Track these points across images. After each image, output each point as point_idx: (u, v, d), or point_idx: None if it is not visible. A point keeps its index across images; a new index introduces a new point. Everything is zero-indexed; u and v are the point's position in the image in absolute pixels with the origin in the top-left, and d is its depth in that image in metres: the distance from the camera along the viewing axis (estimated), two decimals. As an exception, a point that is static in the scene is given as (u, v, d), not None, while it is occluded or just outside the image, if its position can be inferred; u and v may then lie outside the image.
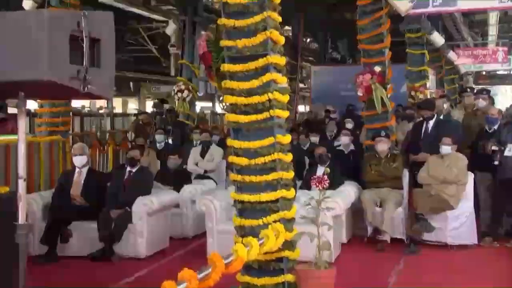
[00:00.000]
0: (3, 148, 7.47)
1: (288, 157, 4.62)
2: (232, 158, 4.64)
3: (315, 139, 9.66)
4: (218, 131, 11.59)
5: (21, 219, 3.16)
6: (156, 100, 14.52)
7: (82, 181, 6.86)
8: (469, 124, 8.38)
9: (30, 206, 6.49)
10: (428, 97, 12.05)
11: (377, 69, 8.04)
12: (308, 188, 6.62)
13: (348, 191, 6.95)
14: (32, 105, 10.54)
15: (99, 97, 3.30)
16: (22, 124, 3.19)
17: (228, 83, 4.60)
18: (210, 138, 9.41)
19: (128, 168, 6.99)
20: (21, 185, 3.19)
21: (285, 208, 4.56)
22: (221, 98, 4.95)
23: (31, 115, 12.34)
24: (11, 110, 10.10)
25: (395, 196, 7.15)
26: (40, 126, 9.24)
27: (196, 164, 8.97)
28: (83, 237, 6.46)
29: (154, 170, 8.32)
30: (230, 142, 4.67)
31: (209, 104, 25.44)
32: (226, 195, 5.91)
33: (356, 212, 7.23)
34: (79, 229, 6.50)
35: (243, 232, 4.60)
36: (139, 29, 18.04)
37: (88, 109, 19.84)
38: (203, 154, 9.09)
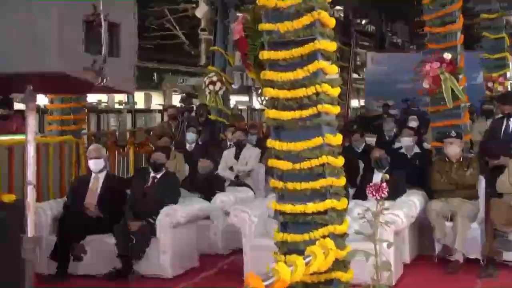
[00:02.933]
0: (6, 150, 7.58)
1: (339, 161, 4.60)
2: (273, 162, 4.65)
3: (371, 139, 9.60)
4: (256, 130, 11.63)
5: (30, 231, 3.21)
6: (184, 94, 14.69)
7: (99, 189, 6.97)
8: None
9: (38, 217, 6.61)
10: (509, 89, 11.82)
11: (447, 56, 7.92)
12: (363, 198, 6.57)
13: (412, 202, 6.88)
14: (41, 100, 10.76)
15: (119, 91, 3.35)
16: (31, 122, 3.22)
17: (268, 74, 4.61)
18: (245, 138, 9.45)
19: (152, 174, 7.07)
20: (30, 192, 3.23)
21: (336, 221, 4.55)
22: (259, 91, 4.97)
23: (40, 112, 12.60)
24: (18, 106, 10.36)
25: (469, 208, 7.04)
26: (50, 125, 9.43)
27: (231, 169, 9.01)
28: (99, 253, 6.57)
29: (181, 175, 8.40)
30: (270, 143, 4.68)
31: (245, 99, 25.54)
32: (265, 206, 5.92)
33: (422, 226, 7.15)
34: (94, 244, 6.61)
35: (285, 249, 4.60)
36: (164, 11, 18.24)
37: (106, 104, 20.15)
38: (238, 157, 9.14)
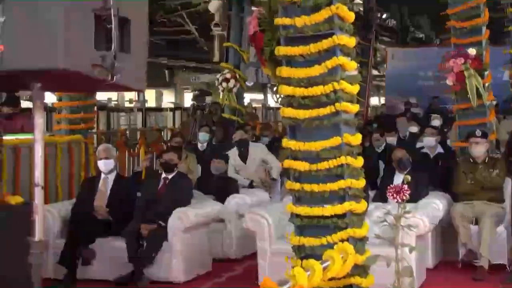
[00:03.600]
0: (11, 149, 7.61)
1: (358, 162, 4.59)
2: (289, 163, 4.64)
3: (392, 139, 9.57)
4: (269, 132, 11.57)
5: (37, 235, 3.21)
6: (197, 92, 14.71)
7: (108, 190, 7.01)
8: None
9: (46, 220, 6.65)
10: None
11: (472, 51, 7.88)
12: (384, 200, 6.56)
13: (435, 205, 6.86)
14: (49, 98, 10.83)
15: (129, 89, 3.36)
16: (39, 121, 3.22)
17: (284, 70, 4.60)
18: (247, 136, 9.40)
19: (163, 175, 7.10)
20: (38, 194, 3.23)
21: (355, 224, 4.54)
22: (275, 89, 4.97)
23: (47, 110, 12.67)
24: (25, 104, 10.43)
25: (495, 211, 7.01)
26: (58, 124, 9.48)
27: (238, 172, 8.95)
28: (109, 257, 6.60)
29: (194, 176, 8.42)
30: (286, 143, 4.67)
31: (260, 96, 25.58)
32: (281, 208, 5.91)
33: (445, 230, 7.14)
34: (104, 248, 6.64)
35: (302, 253, 4.60)
36: (175, 5, 18.27)
37: (115, 102, 20.27)
38: (242, 157, 9.09)
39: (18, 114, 8.54)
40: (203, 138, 10.12)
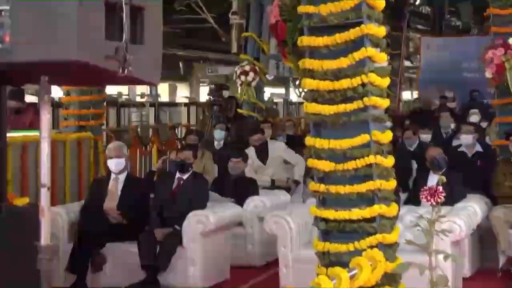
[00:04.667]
0: (18, 147, 7.66)
1: (389, 161, 4.59)
2: (312, 162, 4.66)
3: (426, 136, 9.53)
4: (280, 129, 11.50)
5: (44, 239, 3.24)
6: (213, 86, 14.72)
7: (119, 192, 7.06)
8: None
9: (53, 223, 6.71)
10: None
11: (513, 41, 7.84)
12: (416, 203, 6.54)
13: (473, 208, 6.82)
14: (56, 92, 10.90)
15: (142, 82, 3.39)
16: (46, 117, 3.23)
17: (307, 62, 4.62)
18: (263, 138, 9.37)
19: (178, 175, 7.14)
20: (44, 195, 3.24)
21: (385, 229, 4.54)
22: (297, 83, 4.99)
23: (54, 105, 12.75)
24: (29, 99, 10.49)
25: (538, 215, 6.96)
26: (66, 120, 9.53)
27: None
28: (120, 263, 6.66)
29: (210, 176, 8.45)
30: (309, 141, 4.69)
31: (282, 91, 25.56)
32: (304, 211, 5.93)
33: (484, 236, 7.13)
34: (115, 253, 6.70)
35: (327, 260, 4.61)
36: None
37: (127, 97, 20.33)
38: (262, 157, 9.09)
39: (26, 109, 8.57)
40: (219, 135, 10.13)
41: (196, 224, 6.62)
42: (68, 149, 8.65)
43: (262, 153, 9.07)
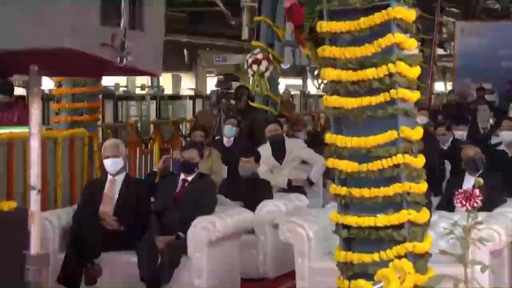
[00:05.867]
0: (4, 145, 7.65)
1: (419, 161, 4.59)
2: (333, 162, 4.66)
3: (461, 133, 9.50)
4: (300, 127, 11.48)
5: (34, 247, 3.25)
6: (221, 76, 14.72)
7: (116, 195, 7.08)
8: None
9: (44, 229, 6.74)
10: None
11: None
12: (450, 208, 6.54)
13: (513, 214, 6.81)
14: (46, 84, 10.92)
15: (142, 73, 3.39)
16: (36, 111, 3.25)
17: (327, 50, 4.62)
18: (281, 131, 9.39)
19: (182, 176, 7.16)
20: (34, 199, 3.26)
21: (415, 237, 4.55)
22: (316, 73, 4.98)
23: (44, 98, 12.78)
24: (17, 91, 10.51)
25: None
26: (58, 115, 9.54)
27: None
28: (117, 275, 6.68)
29: (218, 178, 8.46)
30: (330, 138, 4.69)
31: (298, 82, 25.58)
32: (323, 217, 5.93)
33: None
34: (112, 263, 6.72)
35: (350, 272, 4.62)
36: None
37: (125, 89, 20.39)
38: (278, 156, 9.10)
39: (12, 103, 8.60)
40: (229, 132, 10.11)
41: (202, 231, 6.63)
42: (59, 147, 8.66)
43: (279, 151, 9.08)
